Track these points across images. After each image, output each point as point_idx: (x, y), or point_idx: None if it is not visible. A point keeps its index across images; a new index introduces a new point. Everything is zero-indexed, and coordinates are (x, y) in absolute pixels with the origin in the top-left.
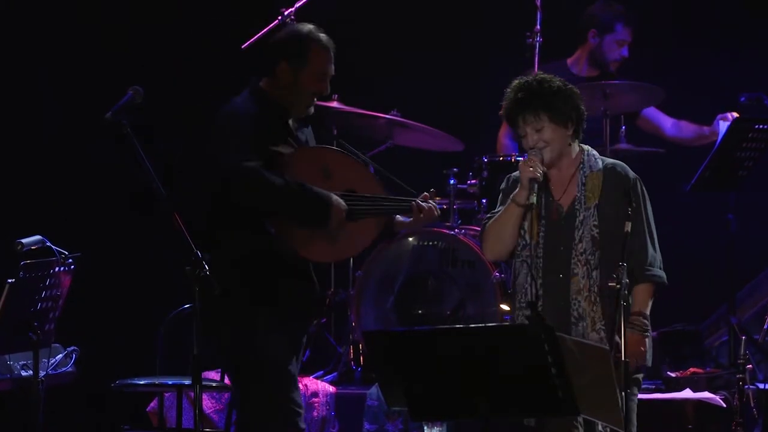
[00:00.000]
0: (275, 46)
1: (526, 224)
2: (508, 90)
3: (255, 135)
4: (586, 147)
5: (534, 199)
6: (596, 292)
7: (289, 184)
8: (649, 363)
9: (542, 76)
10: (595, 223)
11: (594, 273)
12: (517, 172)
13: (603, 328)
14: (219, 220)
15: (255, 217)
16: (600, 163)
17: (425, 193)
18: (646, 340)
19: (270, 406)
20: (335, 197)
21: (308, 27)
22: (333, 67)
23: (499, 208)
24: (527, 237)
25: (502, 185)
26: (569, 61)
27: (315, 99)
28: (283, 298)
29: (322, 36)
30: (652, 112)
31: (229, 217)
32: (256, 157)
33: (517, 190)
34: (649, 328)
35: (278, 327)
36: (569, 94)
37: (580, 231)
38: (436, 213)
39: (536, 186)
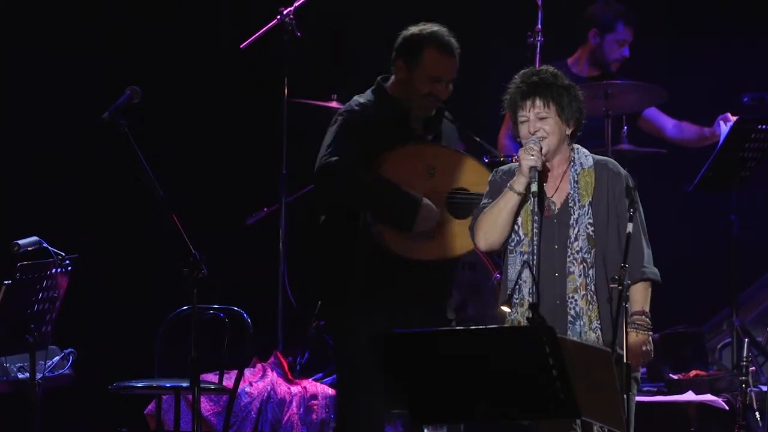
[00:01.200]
0: (395, 44)
1: (520, 219)
2: (519, 75)
3: (351, 131)
4: (575, 145)
5: (535, 187)
6: (593, 291)
7: (373, 183)
8: None
9: (555, 70)
10: (590, 221)
11: (590, 271)
12: (507, 165)
13: (599, 326)
14: (324, 219)
15: (357, 216)
16: (590, 160)
17: None
18: (650, 338)
19: (348, 413)
20: (425, 200)
21: (430, 29)
22: (451, 70)
23: (487, 201)
24: (521, 233)
25: (490, 177)
26: (569, 61)
27: (435, 101)
28: (385, 300)
29: (443, 39)
30: (654, 113)
31: (333, 216)
32: (345, 154)
33: (515, 177)
34: (651, 326)
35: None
36: (576, 95)
37: (576, 229)
38: None
39: (537, 174)
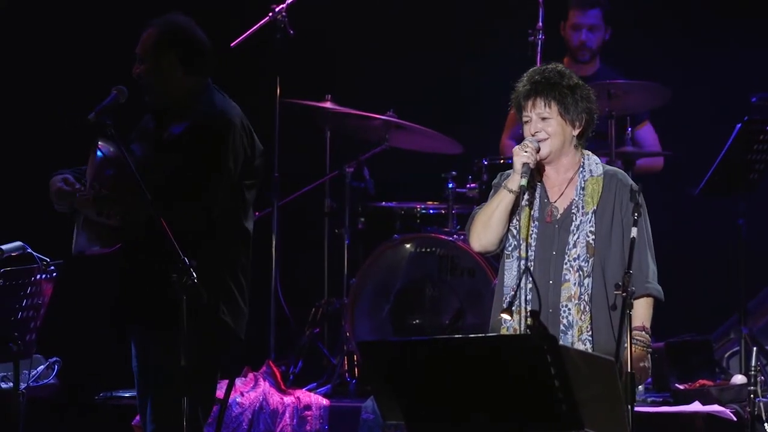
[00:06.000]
0: None
1: (519, 224)
2: (527, 72)
3: None
4: (586, 151)
5: (525, 182)
6: (587, 301)
7: None
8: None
9: (564, 69)
10: (592, 229)
11: (586, 281)
12: (512, 170)
13: (589, 338)
14: None
15: None
16: (600, 168)
17: None
18: (649, 355)
19: None
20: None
21: None
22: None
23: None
24: (519, 237)
25: (495, 180)
26: (566, 60)
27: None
28: None
29: None
30: (647, 138)
31: None
32: None
33: (509, 176)
34: (651, 343)
35: None
36: (585, 95)
37: (575, 236)
38: None
39: (529, 170)
